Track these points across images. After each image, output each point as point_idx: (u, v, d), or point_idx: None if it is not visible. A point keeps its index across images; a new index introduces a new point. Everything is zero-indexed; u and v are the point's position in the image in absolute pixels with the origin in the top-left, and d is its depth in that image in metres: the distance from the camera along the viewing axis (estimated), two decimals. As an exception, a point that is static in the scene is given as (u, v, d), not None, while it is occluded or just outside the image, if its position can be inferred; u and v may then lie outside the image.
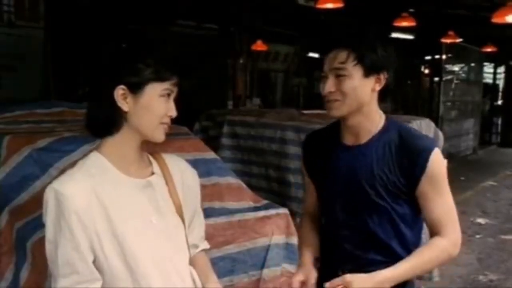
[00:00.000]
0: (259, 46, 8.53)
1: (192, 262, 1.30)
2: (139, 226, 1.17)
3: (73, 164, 1.44)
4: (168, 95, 1.19)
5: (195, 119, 4.04)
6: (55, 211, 1.11)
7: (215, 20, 6.63)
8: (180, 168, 1.31)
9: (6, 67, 5.03)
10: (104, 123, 1.19)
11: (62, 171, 1.75)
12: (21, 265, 1.67)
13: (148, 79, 1.16)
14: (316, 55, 11.51)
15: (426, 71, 13.52)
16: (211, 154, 2.09)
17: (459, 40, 8.61)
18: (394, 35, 9.34)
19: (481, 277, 4.24)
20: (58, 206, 1.10)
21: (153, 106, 1.17)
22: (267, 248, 1.97)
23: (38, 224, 1.65)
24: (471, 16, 7.48)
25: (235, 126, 3.64)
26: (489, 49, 10.06)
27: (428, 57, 12.10)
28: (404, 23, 6.18)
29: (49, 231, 1.12)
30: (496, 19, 4.91)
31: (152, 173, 1.25)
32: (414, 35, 9.49)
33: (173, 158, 1.33)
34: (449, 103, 10.96)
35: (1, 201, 1.75)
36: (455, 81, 11.54)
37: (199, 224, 1.35)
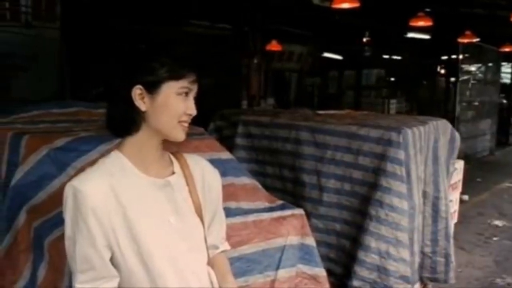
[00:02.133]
0: (274, 46, 8.52)
1: (211, 263, 1.30)
2: (156, 225, 1.18)
3: (93, 163, 1.46)
4: (186, 93, 1.19)
5: (209, 119, 4.04)
6: (73, 208, 1.13)
7: (229, 20, 6.62)
8: (201, 168, 1.32)
9: (22, 67, 5.09)
10: (123, 123, 1.20)
11: (79, 170, 1.77)
12: (38, 263, 1.68)
13: (164, 78, 1.17)
14: (330, 55, 11.51)
15: (442, 71, 13.37)
16: (226, 154, 2.09)
17: (476, 40, 8.49)
18: (410, 35, 9.27)
19: (498, 280, 4.18)
20: (76, 203, 1.12)
21: (170, 104, 1.18)
22: (282, 249, 1.95)
23: (55, 223, 1.67)
24: (489, 15, 7.39)
25: (249, 126, 3.63)
26: (507, 49, 9.92)
27: (444, 57, 11.96)
28: (421, 23, 6.12)
29: (68, 228, 1.14)
30: None
31: (173, 173, 1.25)
32: (430, 35, 9.39)
33: (195, 158, 1.33)
34: (465, 104, 10.82)
35: (20, 200, 1.77)
36: (472, 81, 11.40)
37: (220, 225, 1.35)
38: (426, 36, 9.53)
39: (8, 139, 1.91)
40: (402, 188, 2.96)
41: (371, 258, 2.96)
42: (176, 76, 1.18)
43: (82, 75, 5.62)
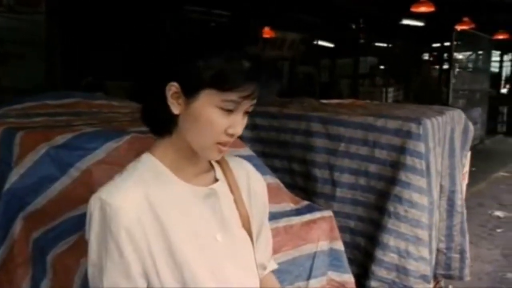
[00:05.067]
0: (267, 33, 8.27)
1: (260, 285, 1.09)
2: (203, 246, 0.96)
3: (100, 163, 1.23)
4: (231, 110, 0.94)
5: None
6: (100, 227, 0.90)
7: (226, 5, 6.35)
8: (247, 173, 1.10)
9: (7, 54, 4.78)
10: (154, 121, 0.97)
11: (84, 172, 1.54)
12: (39, 280, 1.46)
13: (205, 83, 0.92)
14: (324, 43, 11.30)
15: (435, 59, 13.28)
16: (247, 150, 1.88)
17: (471, 27, 8.36)
18: (405, 22, 9.10)
19: (509, 275, 4.06)
20: (105, 221, 0.89)
21: (206, 118, 0.93)
22: (313, 256, 1.76)
23: (60, 234, 1.45)
24: (486, 1, 7.24)
25: (255, 117, 3.40)
26: (500, 36, 9.82)
27: (437, 45, 11.83)
28: (422, 8, 5.94)
29: (93, 251, 0.91)
30: None
31: (215, 180, 1.03)
32: (424, 21, 9.24)
33: (239, 161, 1.11)
34: (457, 92, 10.74)
35: (15, 206, 1.54)
36: (464, 69, 11.32)
37: (266, 239, 1.14)
38: (421, 23, 9.37)
39: (-1, 135, 1.67)
40: (422, 182, 2.78)
41: (390, 257, 2.78)
42: (221, 86, 0.92)
43: (72, 63, 5.32)
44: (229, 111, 0.94)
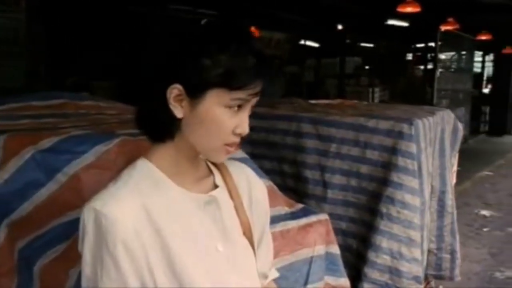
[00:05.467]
0: (253, 31, 8.23)
1: None
2: (203, 256, 0.90)
3: (89, 168, 1.16)
4: (239, 106, 0.89)
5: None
6: (95, 239, 0.83)
7: (210, 4, 6.28)
8: (247, 178, 1.04)
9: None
10: (153, 126, 0.91)
11: (72, 177, 1.47)
12: (25, 291, 1.38)
13: (213, 83, 0.86)
14: (310, 43, 11.29)
15: (419, 59, 13.37)
16: (241, 153, 1.82)
17: (455, 27, 8.42)
18: (390, 22, 9.13)
19: (497, 274, 4.08)
20: (100, 233, 0.83)
21: (214, 119, 0.88)
22: (309, 261, 1.72)
23: (48, 243, 1.38)
24: (471, 2, 7.29)
25: (244, 118, 3.36)
26: (483, 37, 9.92)
27: (421, 45, 11.92)
28: (409, 9, 5.94)
29: (87, 266, 0.85)
30: None
31: (215, 186, 0.97)
32: (409, 22, 9.28)
33: (238, 165, 1.06)
34: (442, 92, 10.83)
35: (-1, 213, 1.45)
36: (447, 70, 11.42)
37: (268, 247, 1.08)
38: (405, 24, 9.41)
39: (-19, 138, 1.59)
40: (414, 183, 2.76)
41: (383, 259, 2.76)
42: (231, 85, 0.87)
43: (55, 62, 5.20)
44: (236, 110, 0.89)
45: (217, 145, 0.92)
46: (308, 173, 3.06)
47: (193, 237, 0.91)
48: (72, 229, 1.40)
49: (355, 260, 2.91)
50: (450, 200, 3.30)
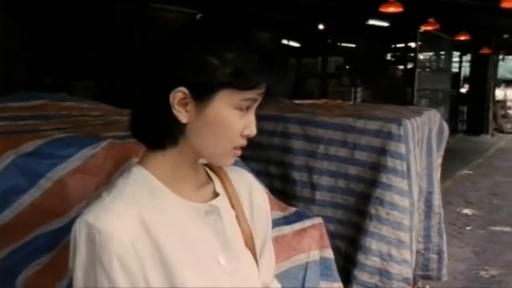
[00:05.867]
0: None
1: None
2: (204, 270, 0.84)
3: (75, 172, 1.06)
4: (248, 107, 0.84)
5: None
6: (88, 256, 0.77)
7: (191, 3, 6.18)
8: (248, 185, 0.98)
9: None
10: (153, 133, 0.84)
11: (57, 183, 1.39)
12: (7, 305, 1.30)
13: (222, 83, 0.80)
14: (291, 43, 11.26)
15: (399, 59, 13.49)
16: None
17: (435, 27, 8.50)
18: (371, 22, 9.17)
19: (482, 273, 4.10)
20: (94, 249, 0.76)
21: (224, 122, 0.82)
22: (305, 267, 1.67)
23: (31, 254, 1.30)
24: (451, 2, 7.36)
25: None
26: (462, 37, 10.05)
27: (401, 45, 12.02)
28: (391, 9, 5.96)
29: (79, 284, 0.78)
30: (505, 4, 4.73)
31: (215, 194, 0.91)
32: (389, 22, 9.33)
33: (238, 171, 1.00)
34: (421, 91, 10.94)
35: (-23, 222, 1.36)
36: (426, 70, 11.54)
37: (269, 257, 1.02)
38: (386, 24, 9.46)
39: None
40: (404, 184, 2.74)
41: (372, 261, 2.73)
42: (241, 84, 0.81)
43: (32, 62, 5.04)
44: (246, 109, 0.84)
45: (226, 149, 0.86)
46: (296, 175, 3.01)
47: (193, 250, 0.84)
48: (57, 239, 1.32)
49: (344, 262, 2.87)
50: (437, 200, 3.30)
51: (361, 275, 2.74)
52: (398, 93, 10.92)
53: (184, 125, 0.83)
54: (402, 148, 2.74)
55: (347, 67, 12.03)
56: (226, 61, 0.80)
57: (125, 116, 2.13)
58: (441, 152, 3.64)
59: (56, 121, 1.80)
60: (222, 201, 0.92)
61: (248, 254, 0.94)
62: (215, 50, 0.81)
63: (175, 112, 0.82)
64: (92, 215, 0.79)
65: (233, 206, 0.94)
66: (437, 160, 3.50)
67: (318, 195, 2.94)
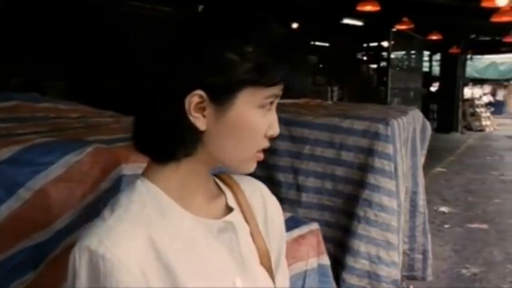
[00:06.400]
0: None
1: None
2: None
3: (57, 181, 1.13)
4: (271, 103, 0.75)
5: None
6: (90, 286, 0.65)
7: (164, 1, 6.02)
8: (262, 196, 0.90)
9: None
10: (165, 145, 0.73)
11: (38, 193, 1.26)
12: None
13: (244, 81, 0.71)
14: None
15: (372, 58, 13.60)
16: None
17: (410, 27, 8.58)
18: (345, 21, 9.19)
19: (464, 271, 4.12)
20: (97, 280, 0.66)
21: (250, 124, 0.74)
22: (303, 276, 1.59)
23: (11, 271, 1.18)
24: (425, 2, 7.42)
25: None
26: (434, 37, 10.18)
27: (374, 44, 12.12)
28: (368, 7, 5.95)
29: None
30: (485, 4, 4.76)
31: (228, 208, 0.81)
32: (364, 21, 9.37)
33: (250, 180, 0.90)
34: (394, 90, 11.05)
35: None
36: (397, 68, 11.67)
37: (283, 274, 0.94)
38: (360, 23, 9.50)
39: None
40: (392, 185, 2.70)
41: (361, 263, 2.68)
42: (267, 80, 0.72)
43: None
44: (270, 106, 0.76)
45: (250, 154, 0.77)
46: (281, 176, 2.93)
47: (207, 272, 0.75)
48: (39, 255, 1.20)
49: (332, 265, 2.80)
50: (422, 200, 3.29)
51: (350, 278, 2.68)
52: (372, 92, 10.99)
53: (201, 132, 0.74)
54: (389, 149, 2.70)
55: (321, 66, 12.07)
56: (246, 55, 0.71)
57: (107, 117, 2.01)
58: (424, 151, 3.63)
59: (31, 124, 1.67)
60: (236, 216, 0.82)
61: (264, 273, 0.85)
62: (232, 44, 0.71)
63: (191, 119, 0.72)
64: (94, 239, 0.68)
65: (247, 221, 0.85)
66: (421, 159, 3.48)
67: (304, 197, 2.88)
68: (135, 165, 1.31)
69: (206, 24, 0.74)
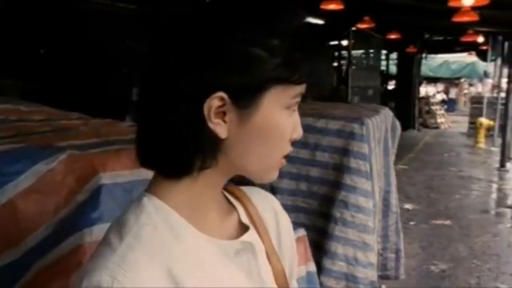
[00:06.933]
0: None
1: None
2: None
3: (28, 194, 1.04)
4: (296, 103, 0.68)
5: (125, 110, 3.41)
6: None
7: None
8: (274, 210, 0.81)
9: None
10: (178, 158, 0.63)
11: (4, 206, 1.13)
12: None
13: (272, 79, 0.62)
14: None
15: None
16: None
17: (371, 26, 8.68)
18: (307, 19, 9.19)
19: (432, 268, 4.17)
20: None
21: (274, 126, 0.65)
22: (294, 286, 1.50)
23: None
24: (386, 2, 7.52)
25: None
26: (393, 36, 10.37)
27: (334, 43, 12.22)
28: (332, 6, 5.95)
29: None
30: (452, 3, 4.83)
31: (241, 225, 0.72)
32: (325, 20, 9.41)
33: (260, 193, 0.82)
34: (354, 89, 11.20)
35: None
36: (353, 67, 11.83)
37: None
38: (321, 21, 9.54)
39: None
40: (368, 185, 2.67)
41: (338, 265, 2.63)
42: (297, 78, 0.64)
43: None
44: (293, 110, 0.69)
45: (276, 160, 0.69)
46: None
47: None
48: (11, 277, 1.06)
49: (309, 268, 2.77)
50: (394, 199, 3.28)
51: (327, 281, 2.63)
52: (332, 90, 11.08)
53: (222, 140, 0.64)
54: (365, 148, 2.67)
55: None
56: (274, 50, 0.62)
57: (74, 120, 1.87)
58: (394, 150, 3.63)
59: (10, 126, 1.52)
60: (253, 235, 0.73)
61: None
62: (257, 37, 0.62)
63: (211, 125, 0.62)
64: (105, 274, 0.57)
65: (261, 237, 0.76)
66: (392, 158, 3.48)
67: (279, 199, 2.80)
68: (114, 173, 1.20)
69: (224, 14, 0.64)
